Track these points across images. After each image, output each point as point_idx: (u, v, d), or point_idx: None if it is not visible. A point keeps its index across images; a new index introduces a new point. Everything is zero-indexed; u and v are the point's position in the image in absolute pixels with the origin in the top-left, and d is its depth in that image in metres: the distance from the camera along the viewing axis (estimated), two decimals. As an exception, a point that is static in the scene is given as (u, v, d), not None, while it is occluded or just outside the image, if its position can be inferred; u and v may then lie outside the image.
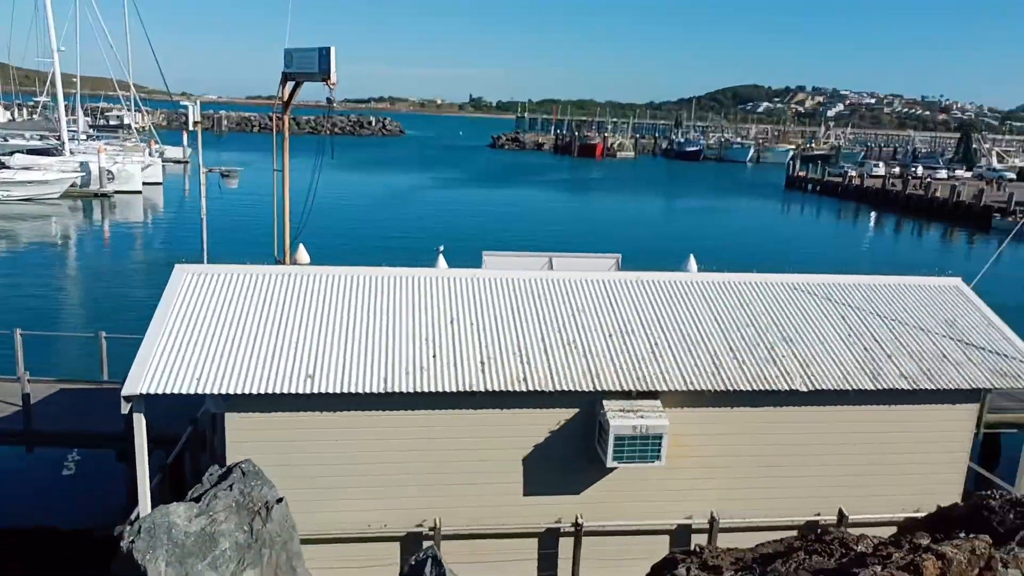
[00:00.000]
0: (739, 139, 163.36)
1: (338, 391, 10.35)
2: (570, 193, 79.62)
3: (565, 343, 11.60)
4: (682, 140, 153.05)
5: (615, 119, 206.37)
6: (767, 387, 11.13)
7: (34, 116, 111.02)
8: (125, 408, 9.82)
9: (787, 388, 11.14)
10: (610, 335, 11.88)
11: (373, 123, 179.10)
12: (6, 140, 66.73)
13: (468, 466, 10.99)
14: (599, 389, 10.88)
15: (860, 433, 11.57)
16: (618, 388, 10.92)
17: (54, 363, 19.82)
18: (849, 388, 11.23)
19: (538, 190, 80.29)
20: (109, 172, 59.93)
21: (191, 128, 19.97)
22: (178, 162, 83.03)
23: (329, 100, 23.62)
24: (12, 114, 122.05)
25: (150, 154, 70.57)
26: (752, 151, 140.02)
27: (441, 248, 22.78)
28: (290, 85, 21.52)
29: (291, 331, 11.20)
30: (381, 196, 67.85)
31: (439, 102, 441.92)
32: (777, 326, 12.39)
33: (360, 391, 10.39)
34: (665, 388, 11.00)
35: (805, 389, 11.15)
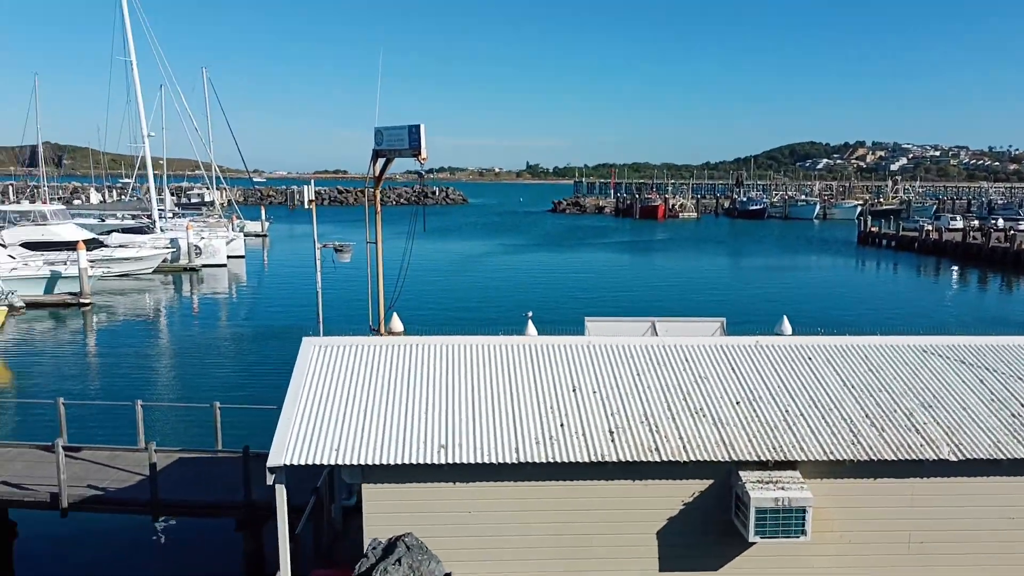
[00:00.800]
0: (803, 196, 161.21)
1: (471, 461, 10.38)
2: (639, 255, 79.49)
3: (693, 411, 11.41)
4: (745, 199, 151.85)
5: (673, 180, 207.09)
6: (912, 456, 10.64)
7: (122, 197, 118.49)
8: (269, 479, 10.05)
9: (934, 458, 10.62)
10: (738, 402, 11.64)
11: (436, 192, 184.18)
12: (103, 220, 71.09)
13: (601, 539, 10.76)
14: (734, 459, 10.60)
15: (1017, 506, 10.88)
16: (753, 458, 10.62)
17: (167, 432, 20.50)
18: (1002, 457, 10.63)
19: (608, 252, 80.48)
20: (196, 247, 62.99)
21: (306, 207, 21.00)
22: (257, 235, 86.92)
23: (420, 174, 24.56)
24: (103, 196, 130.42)
25: (233, 229, 74.01)
26: (818, 208, 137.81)
27: (530, 314, 22.94)
28: (381, 161, 22.56)
29: (419, 401, 11.37)
30: (455, 263, 69.00)
31: (497, 170, 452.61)
32: (913, 391, 11.92)
33: (493, 461, 10.39)
34: (804, 458, 10.64)
35: (954, 459, 10.61)
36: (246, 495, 15.50)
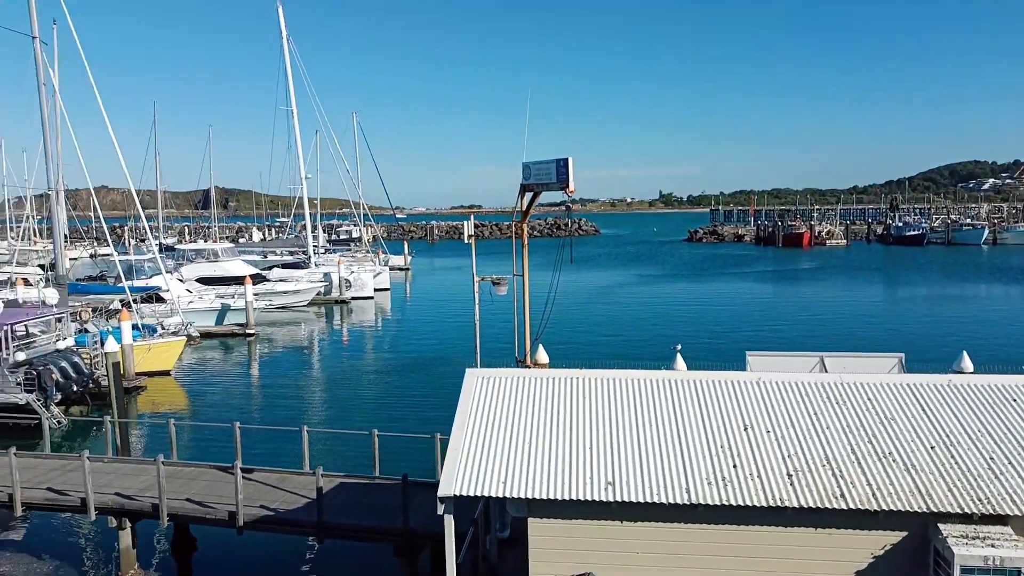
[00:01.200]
0: (968, 219, 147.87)
1: (639, 500, 10.05)
2: (787, 285, 75.61)
3: (881, 455, 10.49)
4: (900, 224, 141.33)
5: (818, 206, 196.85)
6: None
7: (280, 235, 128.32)
8: (440, 508, 10.21)
9: None
10: (932, 447, 10.59)
11: (569, 224, 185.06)
12: (265, 256, 77.04)
13: (780, 590, 10.05)
14: (932, 510, 9.61)
15: None
16: (956, 510, 9.57)
17: (328, 457, 21.46)
18: None
19: (752, 282, 77.19)
20: (347, 281, 66.67)
21: (467, 241, 21.50)
22: (400, 269, 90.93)
23: (567, 206, 24.74)
24: (264, 234, 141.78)
25: (379, 264, 77.85)
26: (987, 232, 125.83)
27: (678, 347, 22.24)
28: (528, 195, 22.99)
29: (584, 435, 11.20)
30: (593, 293, 68.64)
31: (629, 200, 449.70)
32: None
33: (662, 501, 10.01)
34: (1018, 512, 9.46)
35: None
36: (404, 521, 15.91)
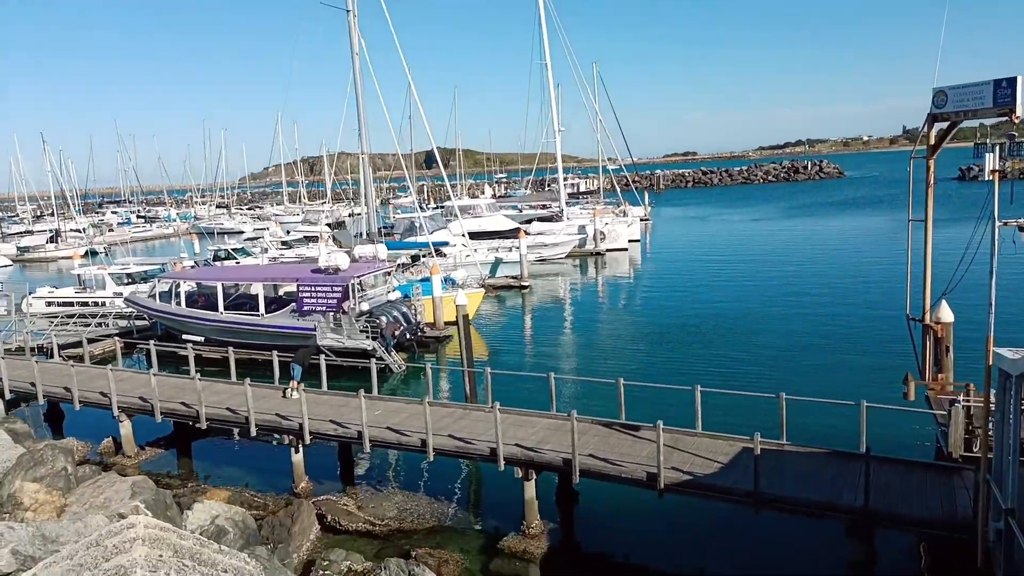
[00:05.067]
0: None
1: None
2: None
3: None
4: None
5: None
6: None
7: (507, 191, 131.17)
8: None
9: None
10: None
11: (808, 167, 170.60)
12: (521, 211, 78.44)
13: None
14: None
15: None
16: None
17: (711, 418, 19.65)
18: None
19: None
20: (601, 233, 65.75)
21: (988, 177, 18.80)
22: (641, 220, 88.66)
23: (1010, 136, 21.06)
24: (494, 190, 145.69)
25: (628, 215, 76.19)
26: None
27: None
28: (937, 128, 19.76)
29: None
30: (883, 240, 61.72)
31: (866, 139, 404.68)
32: None
33: None
34: None
35: None
36: (865, 500, 13.96)
